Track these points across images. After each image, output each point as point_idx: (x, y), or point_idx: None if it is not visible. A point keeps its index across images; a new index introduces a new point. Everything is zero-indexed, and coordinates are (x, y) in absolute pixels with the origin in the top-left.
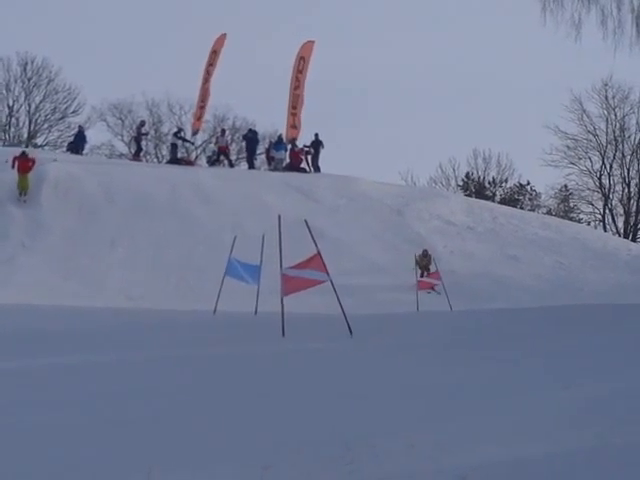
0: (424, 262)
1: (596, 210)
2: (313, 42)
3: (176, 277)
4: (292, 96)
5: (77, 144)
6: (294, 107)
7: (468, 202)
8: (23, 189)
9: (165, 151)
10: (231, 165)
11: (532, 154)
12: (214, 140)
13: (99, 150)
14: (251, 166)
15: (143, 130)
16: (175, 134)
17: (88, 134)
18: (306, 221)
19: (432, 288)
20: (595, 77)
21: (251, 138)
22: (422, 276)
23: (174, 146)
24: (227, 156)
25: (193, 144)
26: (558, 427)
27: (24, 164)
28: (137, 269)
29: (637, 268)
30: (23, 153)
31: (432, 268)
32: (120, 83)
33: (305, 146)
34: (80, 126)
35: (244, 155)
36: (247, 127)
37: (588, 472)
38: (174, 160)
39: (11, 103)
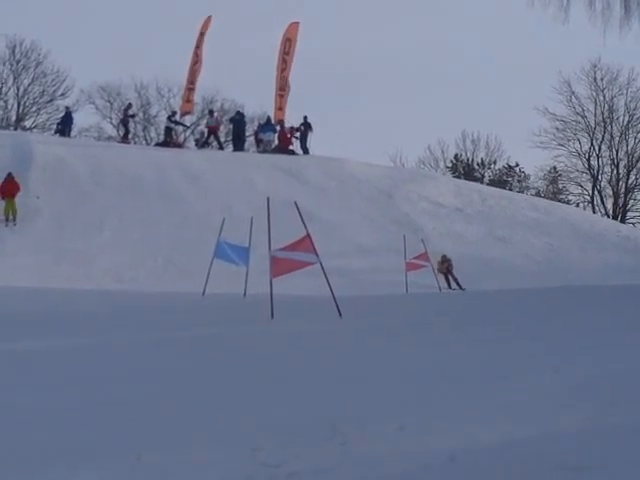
0: (444, 267)
1: (585, 191)
2: (298, 23)
3: (164, 259)
4: (279, 78)
5: (64, 126)
6: (282, 89)
7: (457, 184)
8: (12, 214)
9: (154, 133)
10: (220, 146)
11: (521, 136)
12: (205, 121)
13: (87, 133)
14: (239, 148)
15: (130, 112)
16: (169, 118)
17: (76, 117)
18: (296, 203)
19: (451, 274)
20: (584, 59)
21: (238, 120)
22: (447, 281)
23: (169, 129)
24: (217, 136)
25: (188, 127)
26: (547, 409)
27: (10, 188)
28: (126, 251)
29: (626, 249)
30: (9, 175)
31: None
32: (109, 66)
33: (292, 128)
34: (67, 107)
35: (231, 138)
36: (236, 109)
37: (577, 454)
38: (163, 142)
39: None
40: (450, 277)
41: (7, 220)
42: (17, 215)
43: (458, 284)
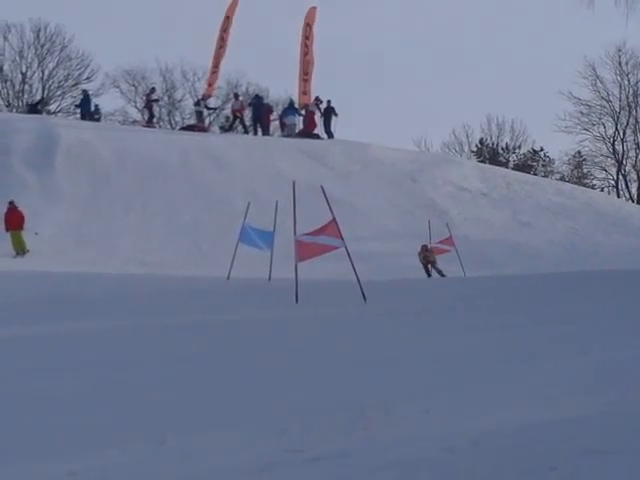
0: (422, 257)
1: (609, 176)
2: (316, 8)
3: (189, 243)
4: (302, 62)
5: (84, 109)
6: (305, 73)
7: (482, 168)
8: (20, 249)
9: (179, 117)
10: (245, 130)
11: (546, 120)
12: (231, 105)
13: (112, 117)
14: (264, 132)
15: (153, 97)
16: (196, 103)
17: (101, 101)
18: (322, 187)
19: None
20: (609, 43)
21: (256, 104)
22: (427, 270)
23: (199, 113)
24: (242, 120)
25: (216, 110)
26: (571, 393)
27: (13, 218)
28: (150, 235)
29: None
30: (11, 203)
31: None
32: (133, 49)
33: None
34: (84, 90)
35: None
36: (260, 94)
37: (600, 438)
38: (190, 126)
39: (24, 70)
40: (431, 267)
41: (17, 254)
42: (25, 248)
43: (440, 273)
